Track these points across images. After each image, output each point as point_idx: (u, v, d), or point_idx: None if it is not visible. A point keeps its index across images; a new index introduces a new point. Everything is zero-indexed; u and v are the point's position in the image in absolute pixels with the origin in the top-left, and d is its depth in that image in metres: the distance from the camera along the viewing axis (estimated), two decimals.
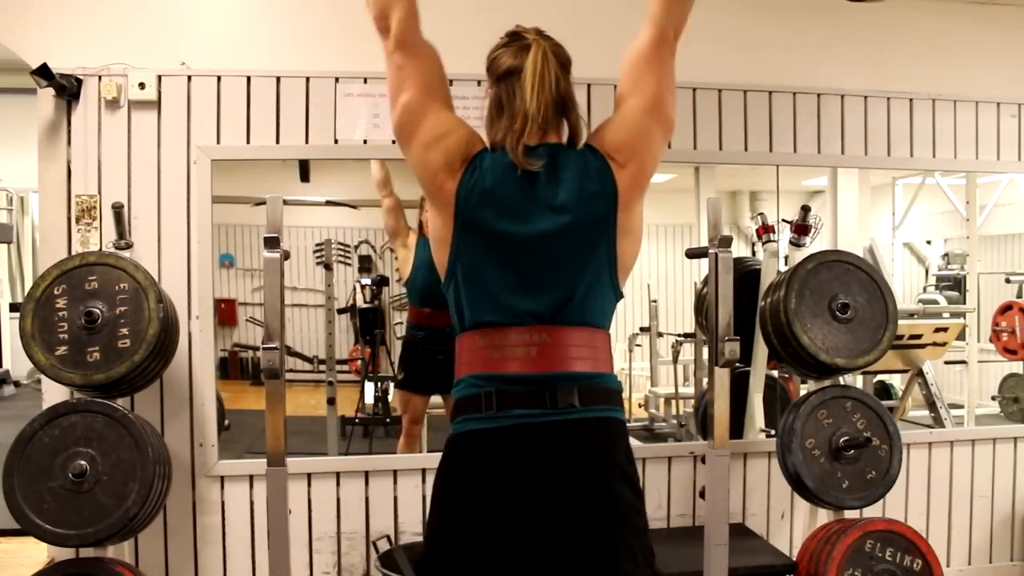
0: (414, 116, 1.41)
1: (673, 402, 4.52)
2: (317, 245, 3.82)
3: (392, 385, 3.98)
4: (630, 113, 1.44)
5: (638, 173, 1.43)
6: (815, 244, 3.17)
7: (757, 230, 3.46)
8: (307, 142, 2.80)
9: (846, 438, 2.65)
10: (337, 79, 2.80)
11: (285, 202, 2.33)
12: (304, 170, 2.79)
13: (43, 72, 2.51)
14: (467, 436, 1.37)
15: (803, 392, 2.98)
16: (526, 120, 1.37)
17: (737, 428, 3.16)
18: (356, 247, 4.08)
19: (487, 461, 1.34)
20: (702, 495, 2.44)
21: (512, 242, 1.37)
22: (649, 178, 1.47)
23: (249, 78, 2.77)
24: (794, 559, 2.72)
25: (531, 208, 1.38)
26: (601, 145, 1.43)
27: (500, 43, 1.48)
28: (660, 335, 4.71)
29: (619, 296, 1.46)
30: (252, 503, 2.77)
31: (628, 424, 4.98)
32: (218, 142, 2.75)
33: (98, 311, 2.32)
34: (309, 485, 2.82)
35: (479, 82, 2.86)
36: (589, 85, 2.88)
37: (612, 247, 1.41)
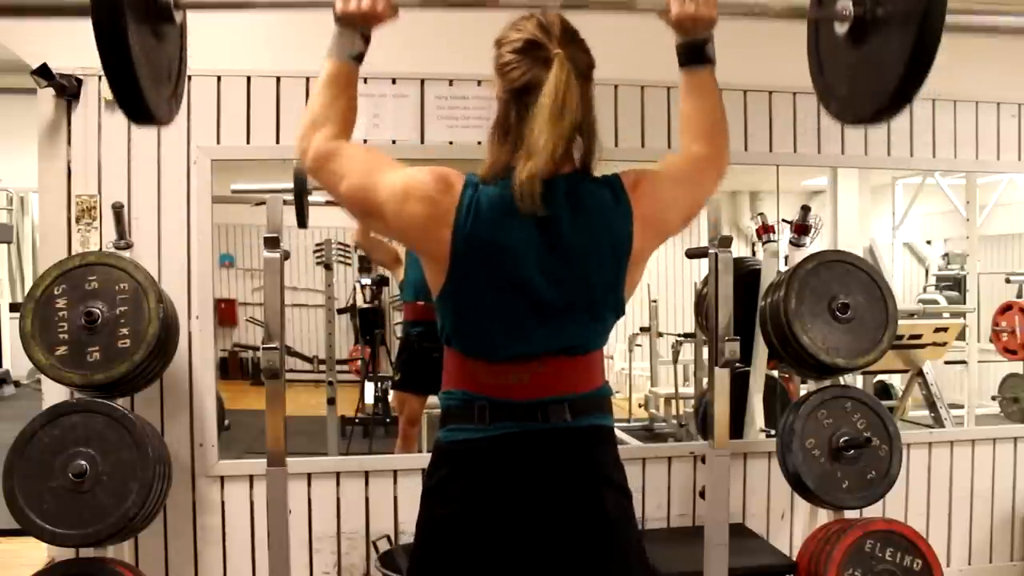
0: (367, 191, 1.29)
1: (673, 402, 4.53)
2: (317, 245, 3.82)
3: (390, 386, 3.98)
4: (672, 189, 1.37)
5: (660, 232, 1.38)
6: (815, 244, 3.17)
7: (757, 230, 3.45)
8: None
9: (846, 438, 2.65)
10: None
11: (285, 202, 2.33)
12: (301, 215, 2.63)
13: (43, 72, 2.51)
14: (460, 444, 1.34)
15: (803, 392, 2.98)
16: (540, 158, 1.21)
17: (737, 428, 3.16)
18: (356, 247, 4.08)
19: (481, 468, 1.33)
20: (702, 495, 2.45)
21: (515, 290, 1.27)
22: (668, 236, 1.42)
23: (249, 78, 2.77)
24: (794, 559, 2.72)
25: (538, 254, 1.27)
26: (632, 191, 1.33)
27: (515, 42, 1.29)
28: (660, 335, 4.72)
29: (621, 316, 1.40)
30: (252, 503, 2.77)
31: (628, 424, 4.93)
32: (218, 142, 2.74)
33: (98, 311, 2.32)
34: (309, 485, 2.82)
35: (479, 82, 2.85)
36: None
37: (620, 290, 1.36)
